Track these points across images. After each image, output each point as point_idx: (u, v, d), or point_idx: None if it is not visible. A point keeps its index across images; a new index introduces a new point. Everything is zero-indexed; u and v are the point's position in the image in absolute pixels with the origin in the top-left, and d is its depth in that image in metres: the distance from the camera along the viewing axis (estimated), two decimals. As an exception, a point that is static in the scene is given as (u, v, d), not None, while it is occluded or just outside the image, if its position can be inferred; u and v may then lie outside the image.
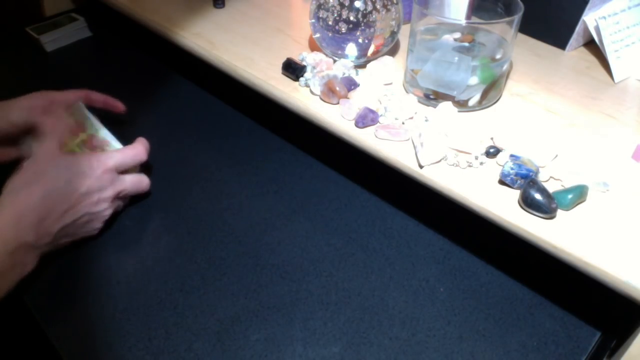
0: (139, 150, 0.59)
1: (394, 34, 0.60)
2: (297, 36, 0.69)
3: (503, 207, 0.45)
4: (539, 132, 0.53)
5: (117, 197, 0.57)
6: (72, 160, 0.53)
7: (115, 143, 0.61)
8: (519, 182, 0.45)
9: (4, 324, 0.60)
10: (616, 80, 0.61)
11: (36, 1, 0.98)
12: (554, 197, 0.44)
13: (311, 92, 0.58)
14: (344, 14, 0.57)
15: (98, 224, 0.56)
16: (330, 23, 0.58)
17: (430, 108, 0.55)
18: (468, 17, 0.60)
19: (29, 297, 0.53)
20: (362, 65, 0.62)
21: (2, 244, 0.47)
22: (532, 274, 0.56)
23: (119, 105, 0.68)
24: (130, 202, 0.62)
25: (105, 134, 0.62)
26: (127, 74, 0.87)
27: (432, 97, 0.55)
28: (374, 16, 0.57)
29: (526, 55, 0.66)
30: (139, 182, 0.60)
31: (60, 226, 0.52)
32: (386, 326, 0.51)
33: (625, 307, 0.45)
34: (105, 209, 0.56)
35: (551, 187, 0.45)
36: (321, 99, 0.57)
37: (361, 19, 0.57)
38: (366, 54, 0.61)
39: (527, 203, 0.44)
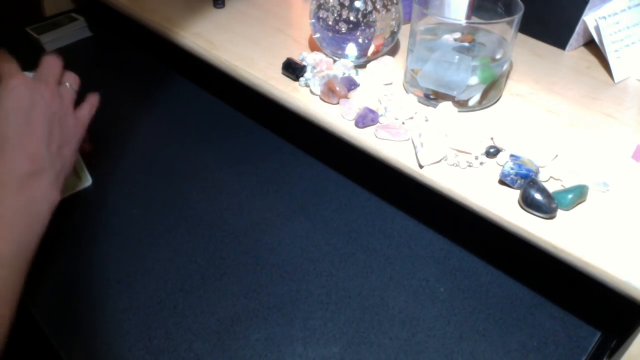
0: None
1: (394, 34, 0.60)
2: (297, 36, 0.69)
3: (503, 207, 0.45)
4: (539, 132, 0.53)
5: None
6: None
7: None
8: (519, 182, 0.45)
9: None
10: (616, 80, 0.61)
11: (36, 1, 0.98)
12: (554, 197, 0.44)
13: (311, 92, 0.58)
14: (344, 14, 0.57)
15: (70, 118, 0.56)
16: (330, 23, 0.58)
17: (430, 108, 0.55)
18: (468, 17, 0.60)
19: (29, 297, 0.53)
20: (362, 65, 0.62)
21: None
22: (532, 274, 0.56)
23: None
24: (130, 202, 0.62)
25: None
26: (127, 74, 0.87)
27: (432, 97, 0.55)
28: (374, 16, 0.57)
29: (526, 55, 0.66)
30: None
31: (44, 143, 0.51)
32: (386, 326, 0.51)
33: (625, 307, 0.45)
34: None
35: (551, 187, 0.45)
36: (321, 99, 0.57)
37: (361, 19, 0.57)
38: (366, 54, 0.61)
39: (527, 203, 0.44)
